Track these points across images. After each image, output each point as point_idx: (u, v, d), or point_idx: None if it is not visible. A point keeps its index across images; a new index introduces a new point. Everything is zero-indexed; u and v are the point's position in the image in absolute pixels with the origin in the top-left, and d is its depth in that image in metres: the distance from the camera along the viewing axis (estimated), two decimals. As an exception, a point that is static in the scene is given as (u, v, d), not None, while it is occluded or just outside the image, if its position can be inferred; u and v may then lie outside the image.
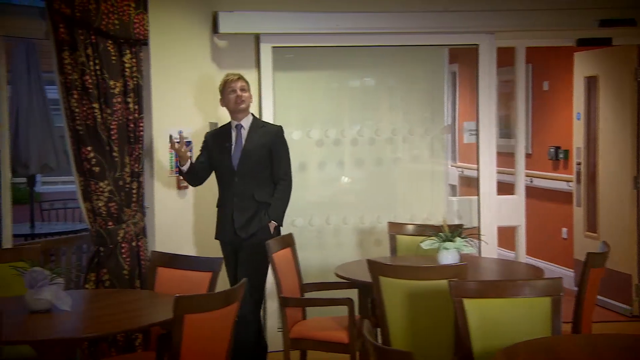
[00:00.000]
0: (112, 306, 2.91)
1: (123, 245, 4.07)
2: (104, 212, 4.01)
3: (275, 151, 3.95)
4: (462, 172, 7.08)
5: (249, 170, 3.90)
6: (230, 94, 3.96)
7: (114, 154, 4.05)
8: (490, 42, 4.74)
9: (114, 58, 4.03)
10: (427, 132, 4.97)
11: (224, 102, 4.01)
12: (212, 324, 2.62)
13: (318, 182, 4.98)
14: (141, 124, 4.20)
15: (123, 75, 4.09)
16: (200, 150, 4.11)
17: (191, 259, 3.34)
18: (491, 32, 4.74)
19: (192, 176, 4.03)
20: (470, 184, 6.77)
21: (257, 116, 4.26)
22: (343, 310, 3.80)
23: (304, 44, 4.62)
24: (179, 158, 3.93)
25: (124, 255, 4.07)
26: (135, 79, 4.14)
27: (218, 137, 4.01)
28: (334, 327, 3.51)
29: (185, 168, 3.96)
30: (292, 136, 4.83)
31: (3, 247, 3.79)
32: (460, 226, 3.77)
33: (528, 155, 5.28)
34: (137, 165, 4.19)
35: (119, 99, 4.06)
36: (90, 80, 3.92)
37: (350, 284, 3.65)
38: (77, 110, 3.92)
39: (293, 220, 4.81)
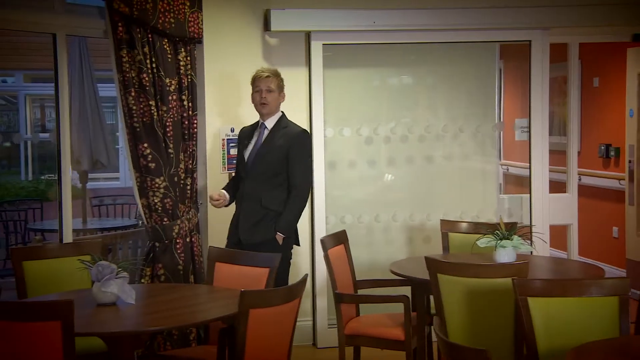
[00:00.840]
0: (175, 300, 2.96)
1: (178, 240, 4.14)
2: (159, 208, 4.09)
3: (291, 156, 3.63)
4: (507, 169, 7.00)
5: (260, 172, 3.63)
6: (255, 92, 3.73)
7: (170, 150, 4.11)
8: (543, 38, 4.68)
9: (169, 56, 4.10)
10: (477, 129, 4.93)
11: (252, 98, 3.80)
12: (275, 319, 2.65)
13: (367, 179, 4.98)
14: (195, 121, 4.26)
15: (178, 73, 4.16)
16: (237, 150, 3.94)
17: (249, 254, 3.37)
18: (545, 28, 4.68)
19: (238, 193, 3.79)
20: (515, 182, 6.70)
21: (287, 117, 3.84)
22: (395, 307, 3.80)
23: (356, 41, 4.62)
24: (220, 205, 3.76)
25: (179, 251, 4.14)
26: (189, 77, 4.21)
27: (246, 134, 3.83)
28: (389, 324, 3.51)
29: (229, 203, 3.80)
30: (343, 133, 4.84)
31: (64, 242, 3.88)
32: (514, 224, 3.73)
33: (577, 153, 5.18)
34: (191, 162, 4.25)
35: (174, 97, 4.13)
36: (147, 78, 3.99)
37: (404, 281, 3.65)
38: (134, 107, 4.00)
39: (342, 217, 4.83)
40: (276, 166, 3.64)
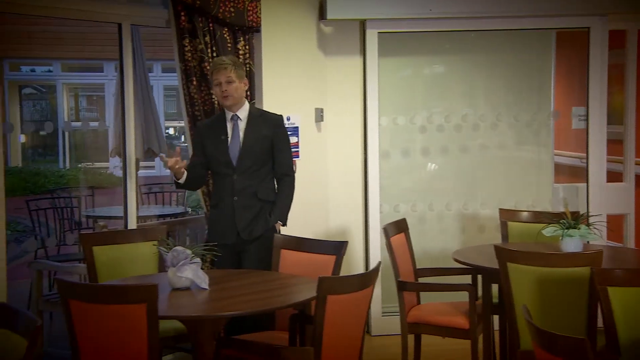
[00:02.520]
0: (247, 286, 3.02)
1: (237, 227, 4.20)
2: (219, 196, 4.14)
3: (277, 143, 3.53)
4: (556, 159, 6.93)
5: (249, 165, 3.48)
6: (215, 86, 3.51)
7: (229, 139, 4.16)
8: (602, 24, 4.62)
9: (229, 45, 4.14)
10: (533, 118, 4.90)
11: (214, 92, 3.60)
12: (350, 306, 2.68)
13: (421, 168, 4.99)
14: (253, 110, 4.30)
15: (237, 62, 4.20)
16: (194, 147, 3.68)
17: (315, 242, 3.41)
18: (603, 14, 4.62)
19: (191, 184, 3.60)
20: (565, 172, 6.62)
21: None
22: (453, 296, 3.82)
23: (412, 29, 4.62)
24: (174, 173, 3.44)
25: (238, 238, 4.20)
26: (248, 66, 4.24)
27: (212, 129, 3.55)
28: (452, 313, 3.53)
29: (182, 180, 3.49)
30: (397, 121, 4.86)
31: (129, 228, 3.96)
32: (578, 214, 3.71)
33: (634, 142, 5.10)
34: (248, 150, 4.30)
35: (233, 86, 4.17)
36: (208, 67, 4.04)
37: (464, 269, 3.67)
38: (195, 96, 4.05)
39: (396, 206, 4.85)
40: (264, 156, 3.51)
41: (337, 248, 3.30)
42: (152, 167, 13.87)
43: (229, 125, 3.53)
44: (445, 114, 4.88)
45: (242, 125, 3.53)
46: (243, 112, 3.55)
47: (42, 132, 17.23)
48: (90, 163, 14.87)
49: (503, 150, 4.93)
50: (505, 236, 4.04)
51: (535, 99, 4.94)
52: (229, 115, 3.55)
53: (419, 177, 4.99)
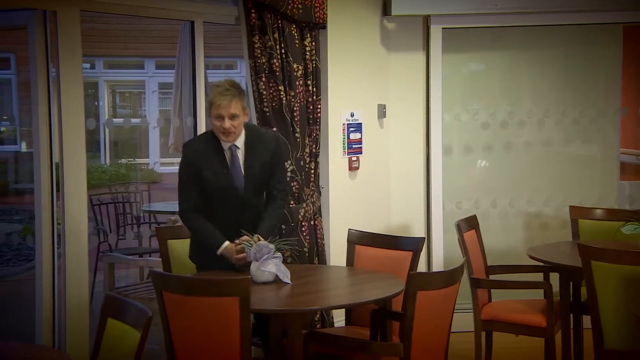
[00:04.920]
0: (327, 281, 3.06)
1: (303, 223, 4.24)
2: (286, 191, 4.18)
3: (275, 163, 3.21)
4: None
5: (255, 195, 3.19)
6: (215, 119, 3.05)
7: (297, 135, 4.20)
8: (672, 19, 4.55)
9: (296, 42, 4.18)
10: (599, 114, 4.84)
11: (211, 121, 3.12)
12: (438, 302, 2.70)
13: (483, 164, 4.97)
14: (319, 106, 4.34)
15: (304, 59, 4.24)
16: (187, 176, 3.14)
17: (391, 238, 3.44)
18: (673, 9, 4.54)
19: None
20: (631, 170, 6.50)
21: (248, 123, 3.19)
22: (524, 293, 3.81)
23: (476, 24, 4.61)
24: (235, 258, 3.02)
25: (304, 233, 4.24)
26: (314, 62, 4.28)
27: (207, 161, 3.12)
28: (527, 310, 3.52)
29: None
30: (460, 118, 4.84)
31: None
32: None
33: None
34: (314, 146, 4.34)
35: (301, 82, 4.21)
36: (277, 64, 4.08)
37: (538, 267, 3.65)
38: (264, 92, 4.10)
39: (458, 203, 4.84)
40: (266, 179, 3.21)
41: (415, 244, 3.32)
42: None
43: (227, 155, 3.14)
44: (509, 110, 4.85)
45: (240, 154, 3.14)
46: (240, 141, 3.14)
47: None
48: (132, 159, 15.09)
49: (568, 146, 4.89)
50: (576, 234, 4.01)
51: (602, 95, 4.88)
52: (225, 144, 3.12)
53: (482, 174, 4.97)
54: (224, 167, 3.12)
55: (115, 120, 17.52)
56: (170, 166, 15.36)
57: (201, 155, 3.12)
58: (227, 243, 3.08)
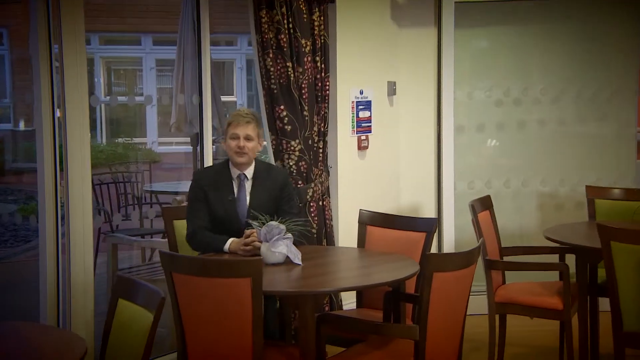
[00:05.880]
0: (340, 262, 3.08)
1: (312, 204, 4.26)
2: (294, 171, 4.20)
3: (284, 195, 3.33)
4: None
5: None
6: (232, 139, 3.24)
7: (305, 113, 4.20)
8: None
9: (304, 16, 4.16)
10: (615, 92, 4.83)
11: (225, 143, 3.31)
12: (455, 284, 2.72)
13: (493, 144, 4.97)
14: (327, 83, 4.33)
15: (312, 34, 4.22)
16: (195, 203, 3.28)
17: (404, 218, 3.45)
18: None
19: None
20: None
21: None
22: (538, 275, 3.83)
23: (491, -2, 4.57)
24: (242, 249, 3.08)
25: (313, 214, 4.26)
26: (322, 38, 4.26)
27: (215, 188, 3.28)
28: (543, 293, 3.54)
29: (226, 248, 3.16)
30: (472, 95, 4.83)
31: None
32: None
33: None
34: (323, 124, 4.34)
35: (309, 58, 4.20)
36: (284, 39, 4.07)
37: (553, 248, 3.67)
38: (272, 69, 4.09)
39: (470, 183, 4.85)
40: (271, 213, 3.21)
41: (429, 225, 3.33)
42: (187, 144, 14.02)
43: (235, 185, 3.29)
44: (523, 87, 4.84)
45: (248, 185, 3.30)
46: (250, 171, 3.30)
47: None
48: (129, 139, 15.08)
49: (583, 125, 4.88)
50: (592, 214, 4.02)
51: (620, 73, 4.86)
52: (234, 172, 3.30)
53: (495, 153, 4.97)
54: (230, 194, 3.28)
55: (119, 98, 17.46)
56: (169, 146, 15.36)
57: (210, 180, 3.31)
58: (232, 239, 3.16)
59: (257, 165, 3.35)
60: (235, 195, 3.28)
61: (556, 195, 4.85)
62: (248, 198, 3.28)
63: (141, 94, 16.87)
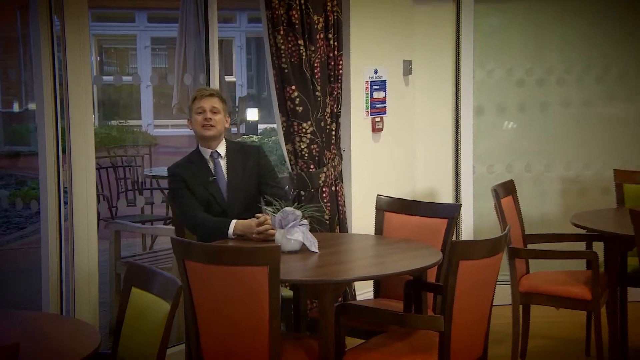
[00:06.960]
0: (358, 250, 3.07)
1: (324, 189, 4.25)
2: (306, 155, 4.18)
3: (263, 169, 3.42)
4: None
5: (240, 205, 3.33)
6: (198, 113, 3.34)
7: (317, 93, 4.18)
8: None
9: (317, -9, 4.12)
10: (644, 71, 4.81)
11: (191, 122, 3.40)
12: (482, 273, 2.72)
13: (517, 126, 4.95)
14: (340, 62, 4.30)
15: (325, 10, 4.19)
16: (177, 189, 3.36)
17: (424, 204, 3.44)
18: None
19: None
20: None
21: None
22: (563, 264, 3.83)
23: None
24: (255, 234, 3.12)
25: (325, 200, 4.25)
26: (335, 14, 4.23)
27: (195, 173, 3.35)
28: (570, 282, 3.54)
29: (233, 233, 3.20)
30: (493, 75, 4.81)
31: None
32: None
33: None
34: (336, 105, 4.32)
35: (321, 35, 4.17)
36: (296, 15, 4.04)
37: (580, 236, 3.66)
38: (282, 47, 4.06)
39: (490, 167, 4.84)
40: (252, 191, 3.38)
41: (451, 211, 3.33)
42: (185, 126, 14.00)
43: (210, 165, 3.37)
44: (546, 65, 4.81)
45: (223, 163, 3.39)
46: (222, 148, 3.40)
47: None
48: (123, 121, 15.03)
49: (610, 106, 4.87)
50: (621, 200, 4.02)
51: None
52: (206, 153, 3.38)
53: (515, 136, 4.96)
54: (209, 175, 3.36)
55: (105, 78, 17.41)
56: (165, 128, 15.33)
57: (186, 169, 3.39)
58: (235, 220, 3.21)
59: (229, 144, 3.46)
60: (215, 173, 3.37)
61: (579, 180, 4.84)
62: (226, 177, 3.37)
63: (136, 74, 16.81)
